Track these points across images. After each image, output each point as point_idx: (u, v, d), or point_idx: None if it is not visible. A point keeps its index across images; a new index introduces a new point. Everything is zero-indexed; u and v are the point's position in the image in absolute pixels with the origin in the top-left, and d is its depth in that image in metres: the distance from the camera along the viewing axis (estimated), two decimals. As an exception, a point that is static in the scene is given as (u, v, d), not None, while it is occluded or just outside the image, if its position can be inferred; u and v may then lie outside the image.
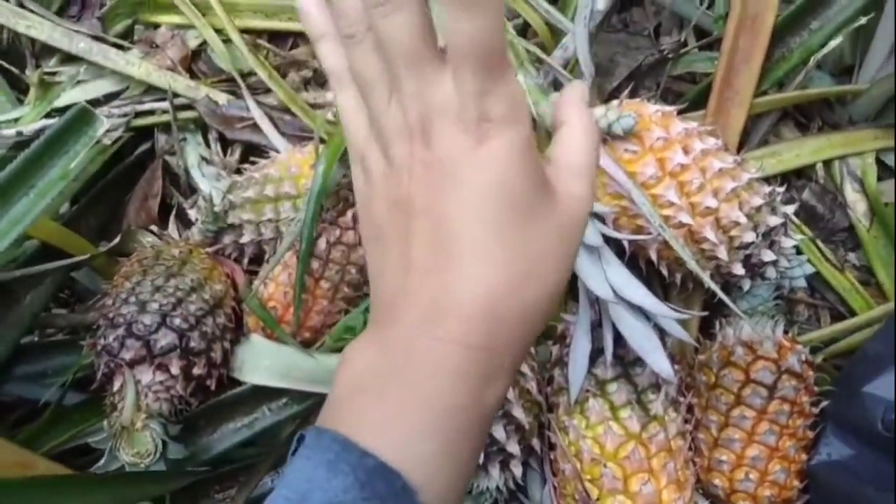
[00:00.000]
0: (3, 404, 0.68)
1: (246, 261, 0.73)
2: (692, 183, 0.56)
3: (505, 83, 0.30)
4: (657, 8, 0.74)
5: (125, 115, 0.82)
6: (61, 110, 0.81)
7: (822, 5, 0.64)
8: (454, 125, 0.30)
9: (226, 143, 0.82)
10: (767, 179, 0.64)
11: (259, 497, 0.65)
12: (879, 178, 0.66)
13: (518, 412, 0.58)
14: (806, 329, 0.66)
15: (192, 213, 0.78)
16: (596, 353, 0.58)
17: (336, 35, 0.34)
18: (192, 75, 0.83)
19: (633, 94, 0.62)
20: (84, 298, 0.77)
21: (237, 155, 0.81)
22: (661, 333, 0.55)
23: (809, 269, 0.63)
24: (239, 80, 0.79)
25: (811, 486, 0.58)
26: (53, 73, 0.85)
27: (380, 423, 0.30)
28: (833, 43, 0.63)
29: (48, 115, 0.83)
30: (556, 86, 0.65)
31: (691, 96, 0.68)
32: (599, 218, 0.56)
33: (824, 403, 0.59)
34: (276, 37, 0.83)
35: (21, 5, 0.82)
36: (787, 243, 0.59)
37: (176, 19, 0.81)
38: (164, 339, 0.60)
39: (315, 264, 0.66)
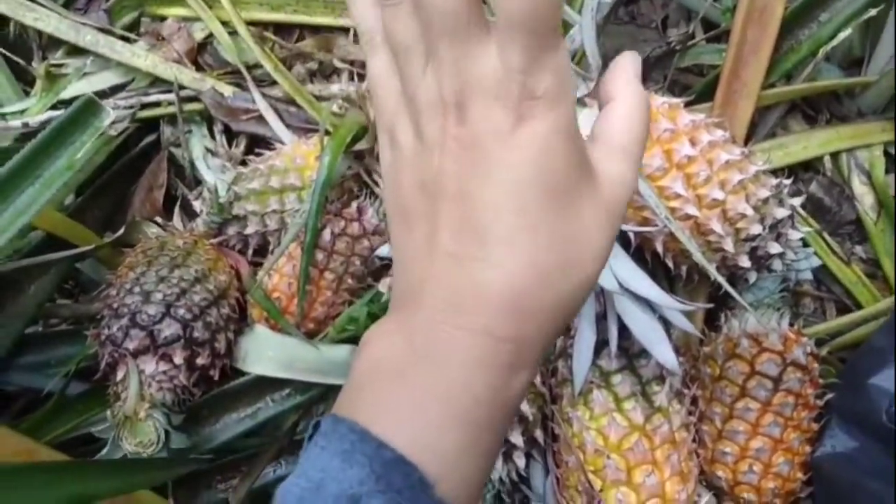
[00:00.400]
0: (6, 394, 0.69)
1: (250, 252, 0.73)
2: (699, 175, 0.56)
3: (553, 59, 0.28)
4: (664, 0, 0.74)
5: (131, 106, 0.82)
6: (67, 102, 0.81)
7: (831, -3, 0.64)
8: (494, 102, 0.28)
9: (231, 135, 0.82)
10: (774, 172, 0.63)
11: (262, 487, 0.65)
12: (887, 171, 0.66)
13: (522, 403, 0.58)
14: (811, 322, 0.66)
15: (197, 205, 0.78)
16: (600, 345, 0.58)
17: None
18: (198, 67, 0.83)
19: (639, 86, 0.62)
20: (88, 289, 0.77)
21: (242, 147, 0.81)
22: (666, 325, 0.55)
23: (816, 262, 0.63)
24: (244, 73, 0.79)
25: (815, 478, 0.58)
26: (60, 65, 0.85)
27: (398, 414, 0.29)
28: (842, 35, 0.62)
29: (54, 107, 0.83)
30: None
31: (699, 88, 0.68)
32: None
33: (829, 396, 0.59)
34: (282, 29, 0.83)
35: (28, -3, 0.82)
36: (794, 236, 0.59)
37: (182, 11, 0.81)
38: (168, 329, 0.60)
39: (319, 255, 0.66)
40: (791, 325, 0.61)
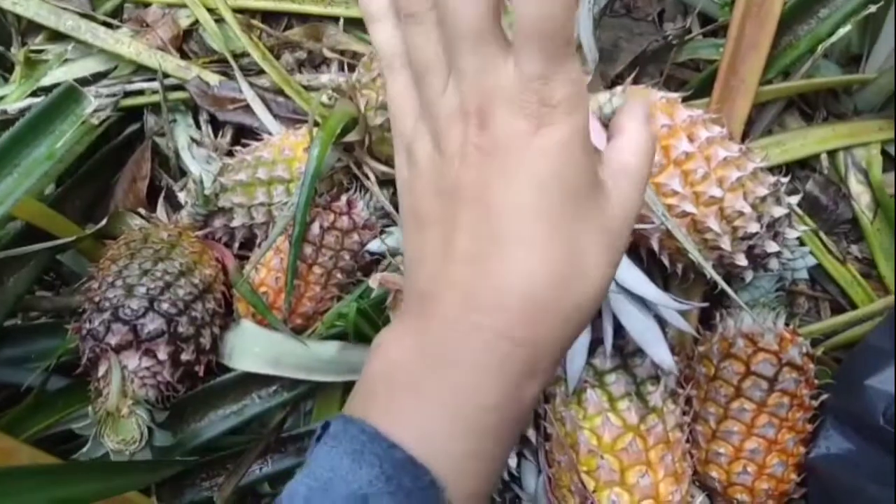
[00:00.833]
0: (-16, 389, 0.67)
1: (237, 245, 0.71)
2: (696, 172, 0.55)
3: (568, 69, 0.29)
4: (661, -7, 0.73)
5: (114, 94, 0.79)
6: (48, 89, 0.79)
7: (830, -7, 0.63)
8: (513, 110, 0.29)
9: (217, 125, 0.80)
10: (771, 169, 0.62)
11: (248, 485, 0.64)
12: (884, 170, 0.65)
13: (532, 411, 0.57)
14: (806, 321, 0.65)
15: (182, 196, 0.76)
16: (595, 344, 0.57)
17: (393, 17, 0.34)
18: (183, 55, 0.81)
19: (636, 81, 0.61)
20: (70, 281, 0.75)
21: (228, 137, 0.79)
22: (662, 324, 0.54)
23: (812, 261, 0.62)
24: (231, 61, 0.77)
25: (809, 479, 0.57)
26: (40, 51, 0.83)
27: (411, 416, 0.29)
28: (841, 31, 0.61)
29: (34, 94, 0.81)
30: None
31: (695, 84, 0.67)
32: (600, 205, 0.55)
33: (824, 396, 0.58)
34: (270, 17, 0.81)
35: (7, -21, 0.79)
36: (791, 234, 0.58)
37: (167, -3, 0.79)
38: (152, 324, 0.59)
39: (308, 249, 0.65)
40: (786, 324, 0.60)
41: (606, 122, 0.56)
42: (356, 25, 0.80)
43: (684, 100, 0.59)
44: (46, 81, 0.81)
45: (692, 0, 0.70)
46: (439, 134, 0.31)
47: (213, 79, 0.78)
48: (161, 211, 0.73)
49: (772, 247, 0.57)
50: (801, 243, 0.63)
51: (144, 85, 0.80)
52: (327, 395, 0.65)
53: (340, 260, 0.66)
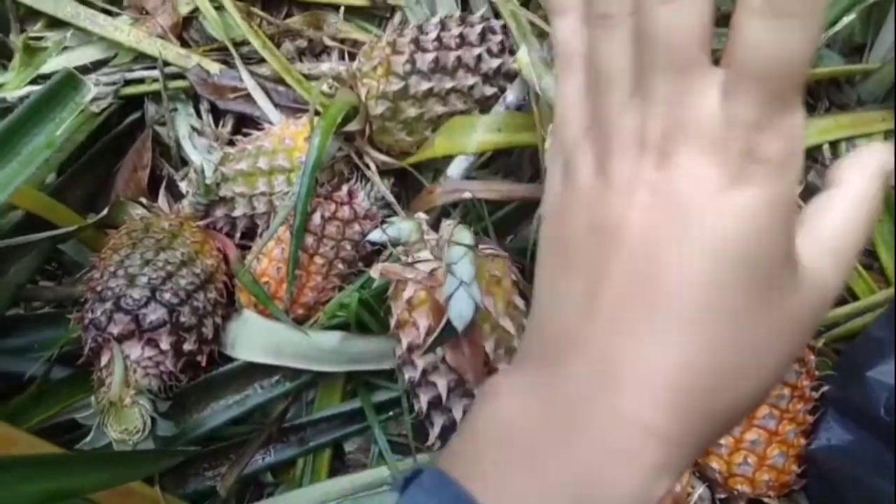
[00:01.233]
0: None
1: (238, 235, 0.71)
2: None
3: (789, 122, 0.24)
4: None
5: (114, 83, 0.79)
6: (47, 77, 0.79)
7: (835, -20, 0.62)
8: (707, 153, 0.24)
9: (217, 114, 0.80)
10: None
11: (250, 475, 0.64)
12: (886, 161, 0.65)
13: None
14: (807, 313, 0.65)
15: (183, 186, 0.76)
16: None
17: (581, 11, 0.29)
18: (183, 43, 0.81)
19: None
20: (72, 271, 0.75)
21: (229, 126, 0.79)
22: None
23: (813, 252, 0.62)
24: (232, 49, 0.76)
25: (809, 471, 0.58)
26: (39, 39, 0.82)
27: (518, 498, 0.25)
28: (845, 20, 0.61)
29: (33, 82, 0.81)
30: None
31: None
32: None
33: (825, 388, 0.58)
34: (270, 5, 0.81)
35: (5, -34, 0.79)
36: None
37: (167, -16, 0.79)
38: (154, 313, 0.59)
39: (309, 239, 0.65)
40: (787, 315, 0.60)
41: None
42: (357, 14, 0.79)
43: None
44: (46, 69, 0.80)
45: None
46: (607, 157, 0.27)
47: (213, 67, 0.78)
48: (162, 200, 0.72)
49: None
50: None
51: (145, 73, 0.79)
52: (329, 385, 0.65)
53: (342, 250, 0.66)
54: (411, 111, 0.66)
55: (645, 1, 0.25)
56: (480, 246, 0.58)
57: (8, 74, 0.82)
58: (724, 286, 0.25)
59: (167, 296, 0.60)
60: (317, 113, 0.65)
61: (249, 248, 0.69)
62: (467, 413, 0.29)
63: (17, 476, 0.41)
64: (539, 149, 0.65)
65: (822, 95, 0.68)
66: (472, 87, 0.66)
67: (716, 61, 0.26)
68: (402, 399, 0.63)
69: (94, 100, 0.76)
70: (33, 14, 0.81)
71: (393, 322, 0.59)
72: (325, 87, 0.74)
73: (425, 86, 0.65)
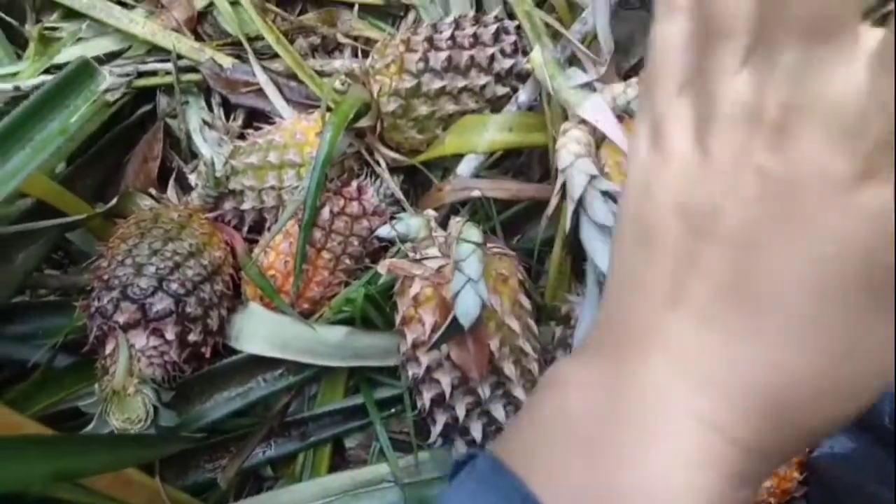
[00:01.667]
0: (-10, 365, 0.67)
1: (246, 228, 0.71)
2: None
3: None
4: (677, -12, 0.72)
5: (127, 74, 0.79)
6: (61, 67, 0.79)
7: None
8: (836, 141, 0.21)
9: (229, 109, 0.80)
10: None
11: (250, 468, 0.64)
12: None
13: (519, 392, 0.57)
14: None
15: (192, 179, 0.76)
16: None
17: None
18: (197, 37, 0.81)
19: (650, 74, 0.61)
20: (78, 260, 0.75)
21: (240, 120, 0.79)
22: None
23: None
24: (245, 44, 0.77)
25: (811, 478, 0.57)
26: (54, 29, 0.83)
27: (580, 497, 0.23)
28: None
29: (47, 72, 0.81)
30: (573, 60, 0.64)
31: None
32: (611, 197, 0.55)
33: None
34: (285, 1, 0.81)
35: (22, -44, 0.79)
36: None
37: (182, -22, 0.79)
38: (160, 303, 0.59)
39: (317, 234, 0.65)
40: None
41: (620, 115, 0.56)
42: (371, 12, 0.80)
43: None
44: (60, 59, 0.80)
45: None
46: (708, 126, 0.23)
47: (226, 61, 0.78)
48: (171, 192, 0.73)
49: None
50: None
51: (158, 66, 0.80)
52: (332, 380, 0.65)
53: (349, 245, 0.66)
54: (423, 109, 0.66)
55: None
56: (488, 245, 0.58)
57: (22, 63, 0.82)
58: (837, 295, 0.22)
59: (174, 286, 0.60)
60: (328, 109, 0.66)
61: (257, 241, 0.69)
62: (528, 400, 0.27)
63: (27, 455, 0.42)
64: (549, 149, 0.65)
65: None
66: (484, 87, 0.67)
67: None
68: (404, 396, 0.63)
69: (107, 91, 0.76)
70: (49, 4, 0.82)
71: (398, 318, 0.59)
72: (337, 84, 0.74)
73: (438, 84, 0.65)
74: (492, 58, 0.66)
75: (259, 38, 0.77)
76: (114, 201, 0.70)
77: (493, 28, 0.67)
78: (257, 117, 0.77)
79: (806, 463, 0.58)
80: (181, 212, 0.68)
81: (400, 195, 0.67)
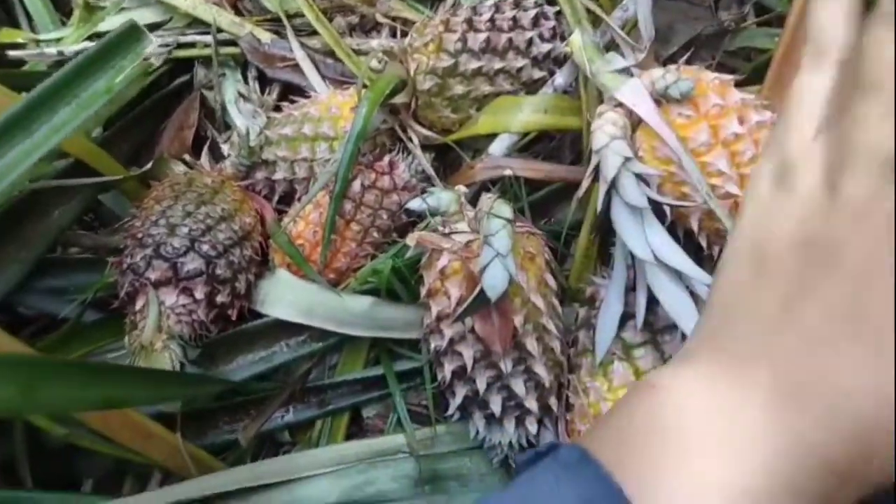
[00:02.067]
0: (21, 317, 0.68)
1: (276, 199, 0.72)
2: (744, 154, 0.54)
3: None
4: (718, -19, 0.72)
5: (167, 45, 0.81)
6: (103, 35, 0.80)
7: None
8: None
9: (264, 83, 0.81)
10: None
11: (267, 432, 0.65)
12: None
13: (540, 369, 0.57)
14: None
15: (226, 149, 0.77)
16: (625, 317, 0.57)
17: (853, 3, 0.27)
18: (238, 12, 0.82)
19: (688, 64, 0.61)
20: (108, 223, 0.77)
21: (275, 95, 0.80)
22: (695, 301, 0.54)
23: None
24: (284, 20, 0.78)
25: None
26: (99, -2, 0.85)
27: (666, 495, 0.23)
28: (902, 25, 0.60)
29: (90, 39, 0.83)
30: (611, 46, 0.64)
31: (747, 72, 0.66)
32: (644, 180, 0.55)
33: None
34: (325, -21, 0.82)
35: (71, -73, 0.81)
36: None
37: (225, -47, 0.80)
38: (192, 263, 0.60)
39: (347, 206, 0.66)
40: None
41: (659, 99, 0.56)
42: (410, -7, 0.80)
43: (735, 85, 0.58)
44: (103, 27, 0.82)
45: (750, -11, 0.70)
46: (842, 171, 0.24)
47: (265, 36, 0.79)
48: (205, 160, 0.74)
49: (813, 236, 0.56)
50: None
51: (197, 38, 0.81)
52: (354, 350, 0.65)
53: (378, 218, 0.66)
54: (458, 88, 0.66)
55: None
56: (516, 223, 0.59)
57: (66, 30, 0.84)
58: None
59: (205, 247, 0.61)
60: (364, 86, 0.66)
61: (286, 212, 0.70)
62: (623, 398, 0.27)
63: (77, 381, 0.43)
64: (583, 134, 0.65)
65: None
66: (520, 70, 0.67)
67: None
68: (424, 370, 0.63)
69: (151, 66, 0.77)
70: (95, -27, 0.83)
71: (424, 291, 0.59)
72: (374, 62, 0.75)
73: (475, 64, 0.65)
74: (530, 41, 0.67)
75: (298, 14, 0.78)
76: (149, 165, 0.71)
77: (532, 12, 0.68)
78: (292, 92, 0.78)
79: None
80: (214, 178, 0.69)
81: (431, 171, 0.68)
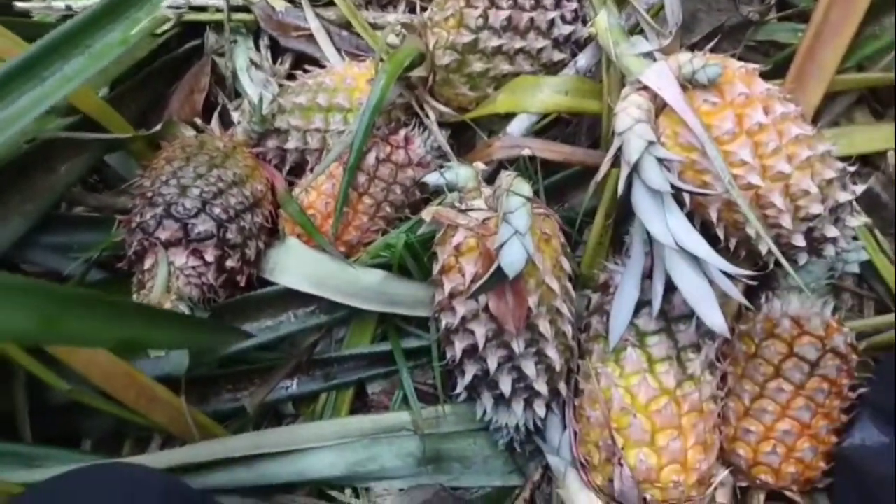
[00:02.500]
0: (25, 274, 0.67)
1: (286, 169, 0.71)
2: (768, 144, 0.54)
3: None
4: (742, -26, 0.72)
5: (178, 7, 0.79)
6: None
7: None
8: None
9: (276, 53, 0.80)
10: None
11: (271, 403, 0.64)
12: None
13: (551, 352, 0.57)
14: (849, 318, 0.65)
15: (236, 116, 0.76)
16: (640, 305, 0.57)
17: None
18: (253, -22, 0.80)
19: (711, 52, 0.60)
20: (113, 185, 0.75)
21: (287, 65, 0.79)
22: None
23: (864, 256, 0.62)
24: (301, -11, 0.76)
25: (838, 468, 0.57)
26: (110, -44, 0.82)
27: None
28: (931, 24, 0.61)
29: (99, -3, 0.81)
30: (634, 29, 0.63)
31: (769, 65, 0.66)
32: (666, 166, 0.54)
33: (862, 390, 0.58)
34: (344, -49, 0.80)
35: None
36: (853, 222, 0.57)
37: (242, -83, 0.78)
38: (203, 224, 0.59)
39: (361, 178, 0.65)
40: (832, 314, 0.60)
41: (685, 84, 0.55)
42: (431, -32, 0.79)
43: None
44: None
45: (775, -17, 0.69)
46: None
47: (279, 4, 0.78)
48: (215, 125, 0.72)
49: (831, 231, 0.56)
50: (855, 238, 0.62)
51: (210, 1, 0.79)
52: (362, 324, 0.64)
53: (391, 193, 0.65)
54: (477, 66, 0.65)
55: None
56: (534, 204, 0.58)
57: (76, -16, 0.82)
58: None
59: (217, 210, 0.60)
60: (381, 59, 0.65)
61: (295, 184, 0.69)
62: None
63: (99, 314, 0.41)
64: (603, 117, 0.64)
65: (891, 103, 0.67)
66: (541, 51, 0.66)
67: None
68: (431, 348, 0.63)
69: (167, 20, 0.76)
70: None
71: (437, 268, 0.58)
72: (391, 37, 0.73)
73: (495, 42, 0.64)
74: (552, 22, 0.66)
75: (315, -16, 0.77)
76: (159, 126, 0.69)
77: (556, -7, 0.67)
78: (305, 63, 0.77)
79: (833, 454, 0.57)
80: (226, 142, 0.67)
81: (447, 148, 0.67)
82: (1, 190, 0.61)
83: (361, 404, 0.65)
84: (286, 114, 0.70)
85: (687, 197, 0.56)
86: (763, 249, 0.55)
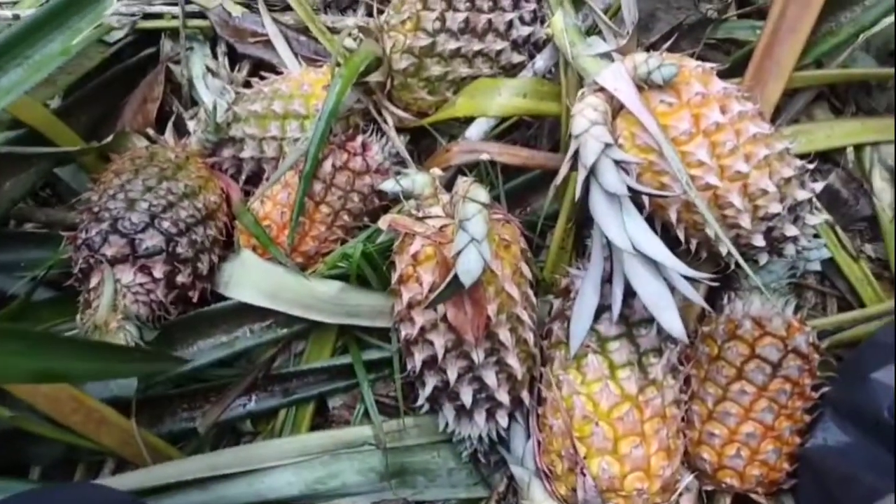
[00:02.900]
0: (-33, 294, 0.65)
1: (243, 178, 0.69)
2: (725, 144, 0.54)
3: None
4: (700, -27, 0.71)
5: (132, 14, 0.77)
6: (64, 1, 0.77)
7: (880, -20, 0.62)
8: None
9: (234, 60, 0.78)
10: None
11: (228, 421, 0.62)
12: (910, 170, 0.64)
13: (512, 360, 0.56)
14: (811, 316, 0.65)
15: (191, 125, 0.74)
16: (600, 310, 0.56)
17: None
18: (208, -17, 0.79)
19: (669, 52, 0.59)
20: (66, 199, 0.73)
21: (245, 72, 0.77)
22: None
23: (826, 254, 0.61)
24: (257, -7, 0.75)
25: (802, 469, 0.57)
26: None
27: None
28: (886, 21, 0.60)
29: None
30: (592, 30, 0.63)
31: (728, 64, 0.65)
32: (623, 168, 0.54)
33: (824, 389, 0.57)
34: (301, -46, 0.79)
35: None
36: (812, 220, 0.57)
37: (195, -79, 0.77)
38: (151, 240, 0.57)
39: (317, 187, 0.63)
40: (794, 313, 0.60)
41: (641, 85, 0.55)
42: (388, -30, 0.78)
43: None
44: (64, -9, 0.78)
45: (733, -19, 0.69)
46: None
47: (236, 10, 0.76)
48: (169, 135, 0.71)
49: (791, 230, 0.56)
50: (816, 236, 0.62)
51: (164, 8, 0.77)
52: (321, 337, 0.63)
53: (349, 201, 0.64)
54: (435, 69, 0.64)
55: None
56: (492, 211, 0.57)
57: (24, -7, 0.80)
58: None
59: (166, 224, 0.58)
60: (338, 64, 0.64)
61: (252, 193, 0.67)
62: None
63: (14, 348, 0.39)
64: (562, 120, 0.63)
65: (850, 100, 0.67)
66: (499, 53, 0.65)
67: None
68: (393, 360, 0.62)
69: (111, 29, 0.74)
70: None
71: (395, 277, 0.57)
72: (348, 41, 0.72)
73: (453, 45, 0.63)
74: (510, 24, 0.65)
75: (271, -12, 0.75)
76: (110, 138, 0.67)
77: (513, -6, 0.66)
78: (263, 69, 0.75)
79: (797, 455, 0.57)
80: (178, 153, 0.66)
81: (405, 154, 0.65)
82: (-58, 208, 0.59)
83: (322, 419, 0.64)
84: (241, 122, 0.68)
85: (646, 200, 0.56)
86: (723, 250, 0.55)
